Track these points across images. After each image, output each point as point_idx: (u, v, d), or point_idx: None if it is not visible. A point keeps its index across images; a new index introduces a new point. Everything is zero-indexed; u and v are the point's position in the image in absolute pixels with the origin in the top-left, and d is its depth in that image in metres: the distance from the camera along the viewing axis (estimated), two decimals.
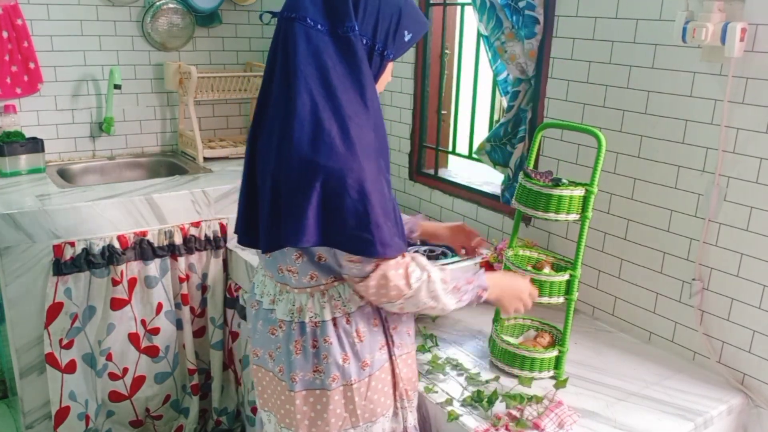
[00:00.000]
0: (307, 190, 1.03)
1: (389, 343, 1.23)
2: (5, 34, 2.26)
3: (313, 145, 1.03)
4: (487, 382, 1.40)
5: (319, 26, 1.06)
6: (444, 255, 1.77)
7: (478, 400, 1.32)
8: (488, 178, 2.19)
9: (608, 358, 1.53)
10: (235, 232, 1.23)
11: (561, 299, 1.39)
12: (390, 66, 1.16)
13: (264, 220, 1.10)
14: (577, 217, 1.34)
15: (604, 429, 1.26)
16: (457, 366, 1.47)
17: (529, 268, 1.41)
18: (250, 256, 2.11)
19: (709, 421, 1.33)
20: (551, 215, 1.33)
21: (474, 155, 2.10)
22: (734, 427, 1.42)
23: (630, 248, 1.63)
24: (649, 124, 1.54)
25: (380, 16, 1.08)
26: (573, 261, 1.38)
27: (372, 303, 1.18)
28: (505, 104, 1.93)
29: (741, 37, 1.30)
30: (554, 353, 1.42)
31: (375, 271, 1.10)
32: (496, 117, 2.16)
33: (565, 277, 1.37)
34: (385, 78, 1.18)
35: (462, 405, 1.32)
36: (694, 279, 1.49)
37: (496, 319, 1.55)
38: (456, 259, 1.74)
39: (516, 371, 1.42)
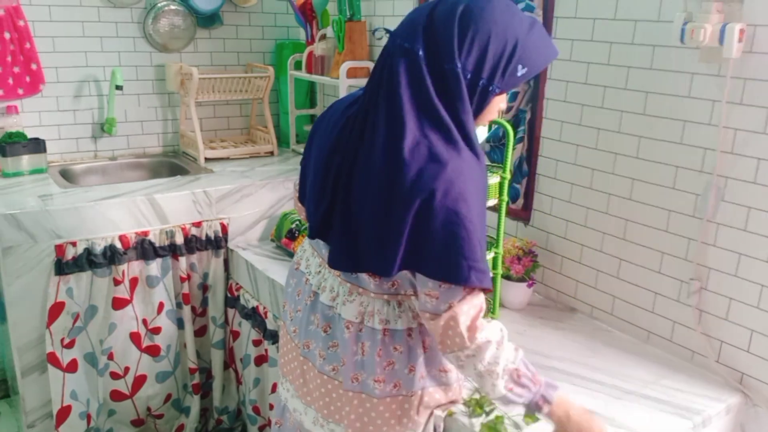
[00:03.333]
0: (406, 214, 1.01)
1: (450, 368, 1.21)
2: (7, 36, 2.27)
3: (418, 173, 1.00)
4: None
5: (423, 59, 1.04)
6: None
7: (479, 405, 1.32)
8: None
9: (606, 357, 1.54)
10: (312, 233, 1.18)
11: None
12: (497, 99, 1.10)
13: (369, 241, 1.06)
14: (496, 201, 1.54)
15: None
16: None
17: None
18: (251, 255, 2.11)
19: (707, 420, 1.33)
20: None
21: None
22: (732, 426, 1.43)
23: (628, 248, 1.63)
24: (647, 125, 1.55)
25: (488, 53, 1.03)
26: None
27: (440, 349, 1.11)
28: (504, 105, 1.94)
29: (739, 38, 1.30)
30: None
31: (447, 311, 1.05)
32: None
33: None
34: (491, 111, 1.12)
35: (463, 404, 1.33)
36: (692, 279, 1.49)
37: None
38: None
39: None
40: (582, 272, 1.75)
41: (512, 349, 1.12)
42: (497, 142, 1.94)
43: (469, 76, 1.03)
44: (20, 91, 2.33)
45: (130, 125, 2.59)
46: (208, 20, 2.66)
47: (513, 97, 1.86)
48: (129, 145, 2.61)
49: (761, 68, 1.32)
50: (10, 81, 2.30)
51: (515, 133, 1.89)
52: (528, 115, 1.84)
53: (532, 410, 1.14)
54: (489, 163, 2.00)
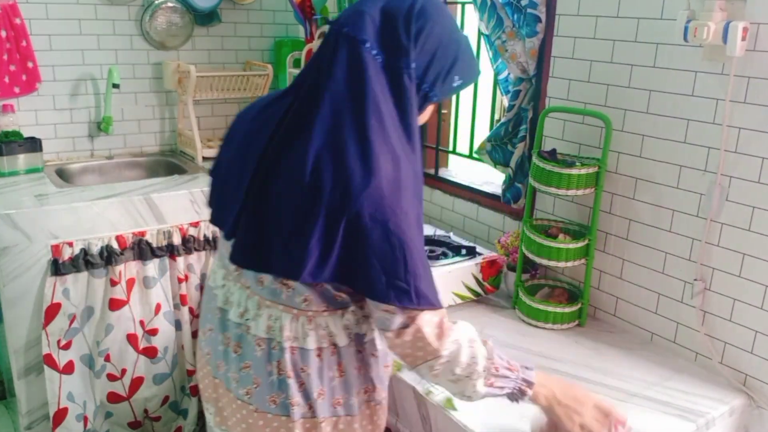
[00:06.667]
0: (335, 226, 0.95)
1: (370, 388, 1.13)
2: (3, 33, 2.25)
3: (359, 180, 0.94)
4: None
5: (376, 55, 0.99)
6: (444, 255, 1.76)
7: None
8: (488, 178, 2.19)
9: (610, 358, 1.53)
10: (229, 234, 1.08)
11: (581, 261, 1.63)
12: (430, 107, 1.09)
13: (283, 244, 0.99)
14: (592, 190, 1.59)
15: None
16: None
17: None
18: None
19: (710, 422, 1.33)
20: (571, 191, 1.57)
21: (474, 155, 2.10)
22: (736, 427, 1.42)
23: (631, 248, 1.62)
24: (650, 124, 1.53)
25: (435, 59, 1.02)
26: (588, 226, 1.66)
27: (403, 361, 1.06)
28: (506, 103, 1.93)
29: (743, 36, 1.29)
30: (577, 306, 1.66)
31: (411, 326, 1.00)
32: (496, 116, 2.15)
33: (585, 242, 1.62)
34: (422, 118, 1.09)
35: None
36: (695, 279, 1.48)
37: (518, 283, 1.75)
38: (457, 258, 1.74)
39: (541, 324, 1.66)
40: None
41: (482, 344, 1.07)
42: (499, 141, 1.93)
43: (416, 80, 1.01)
44: (16, 90, 2.31)
45: (127, 124, 2.58)
46: (206, 18, 2.65)
47: (514, 96, 1.84)
48: (126, 144, 2.60)
49: (765, 66, 1.31)
50: (6, 79, 2.28)
51: (517, 132, 1.87)
52: (530, 114, 1.83)
53: (517, 398, 1.09)
54: (492, 163, 2.00)
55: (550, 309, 1.64)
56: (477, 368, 1.04)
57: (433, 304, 1.00)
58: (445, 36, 1.03)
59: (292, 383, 1.06)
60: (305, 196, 0.96)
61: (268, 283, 1.06)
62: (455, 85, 1.05)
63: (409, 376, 1.39)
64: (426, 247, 1.79)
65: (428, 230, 1.96)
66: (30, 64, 2.31)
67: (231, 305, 1.12)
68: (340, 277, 0.98)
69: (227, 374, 1.13)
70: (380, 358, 1.13)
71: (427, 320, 1.01)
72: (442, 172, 2.30)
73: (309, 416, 1.08)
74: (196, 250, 2.13)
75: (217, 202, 1.17)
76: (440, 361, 1.02)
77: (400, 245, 0.95)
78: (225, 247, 1.13)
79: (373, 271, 0.96)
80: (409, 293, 0.97)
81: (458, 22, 2.21)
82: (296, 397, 1.06)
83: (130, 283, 2.04)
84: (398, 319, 1.00)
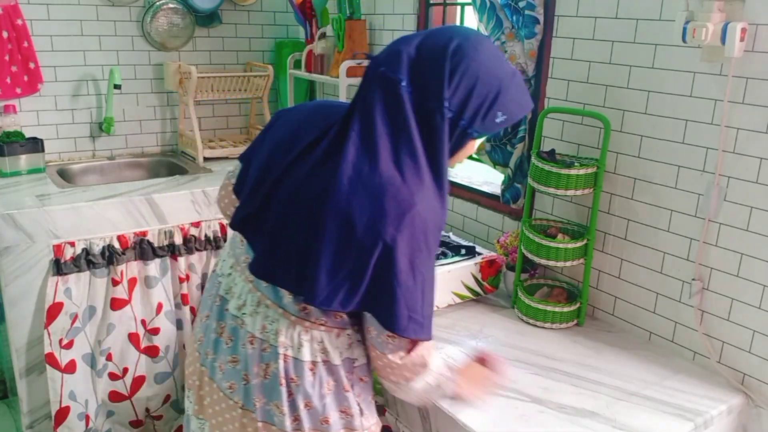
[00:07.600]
0: (369, 255, 0.97)
1: (357, 413, 1.13)
2: (5, 34, 2.26)
3: (390, 217, 0.97)
4: None
5: (411, 93, 0.99)
6: (444, 255, 1.77)
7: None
8: (488, 178, 2.19)
9: (608, 357, 1.53)
10: (236, 224, 1.10)
11: (580, 261, 1.64)
12: (473, 142, 1.07)
13: (320, 268, 1.00)
14: (591, 190, 1.60)
15: (604, 429, 1.26)
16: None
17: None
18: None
19: (709, 421, 1.33)
20: (570, 191, 1.58)
21: (474, 155, 2.10)
22: (734, 427, 1.42)
23: (630, 248, 1.63)
24: (649, 124, 1.54)
25: (473, 95, 1.00)
26: (587, 226, 1.68)
27: (385, 378, 1.11)
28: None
29: (741, 37, 1.30)
30: (576, 306, 1.67)
31: (417, 349, 1.06)
32: None
33: (584, 242, 1.63)
34: (464, 154, 1.09)
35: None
36: (694, 279, 1.49)
37: (517, 283, 1.76)
38: (456, 258, 1.75)
39: (540, 324, 1.67)
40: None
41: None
42: (498, 141, 1.93)
43: (451, 116, 1.00)
44: (18, 91, 2.32)
45: (128, 124, 2.58)
46: (207, 19, 2.65)
47: None
48: (127, 144, 2.60)
49: (763, 67, 1.31)
50: (8, 80, 2.29)
51: (516, 133, 1.88)
52: (529, 115, 1.83)
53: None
54: (491, 163, 2.00)
55: (549, 308, 1.64)
56: (446, 372, 1.15)
57: (430, 336, 1.06)
58: (483, 72, 1.00)
59: (284, 391, 1.07)
60: (338, 225, 0.97)
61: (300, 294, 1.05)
62: (498, 120, 1.03)
63: None
64: None
65: None
66: (32, 65, 2.32)
67: (232, 296, 1.12)
68: (365, 305, 1.02)
69: (214, 363, 1.13)
70: (368, 383, 1.16)
71: (427, 346, 1.08)
72: None
73: (294, 427, 1.08)
74: (197, 249, 2.14)
75: (247, 193, 1.13)
76: (427, 377, 1.10)
77: (422, 280, 1.00)
78: (240, 237, 1.14)
79: (397, 305, 0.99)
80: (423, 327, 1.03)
81: (457, 24, 2.22)
82: (285, 406, 1.07)
83: (132, 282, 2.05)
84: (400, 345, 1.05)
